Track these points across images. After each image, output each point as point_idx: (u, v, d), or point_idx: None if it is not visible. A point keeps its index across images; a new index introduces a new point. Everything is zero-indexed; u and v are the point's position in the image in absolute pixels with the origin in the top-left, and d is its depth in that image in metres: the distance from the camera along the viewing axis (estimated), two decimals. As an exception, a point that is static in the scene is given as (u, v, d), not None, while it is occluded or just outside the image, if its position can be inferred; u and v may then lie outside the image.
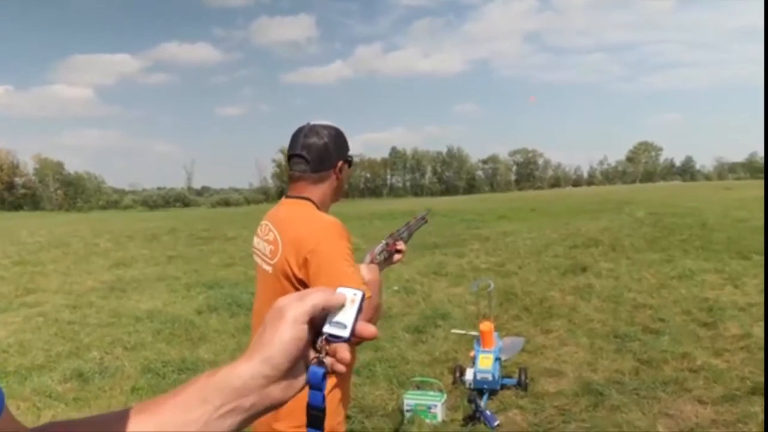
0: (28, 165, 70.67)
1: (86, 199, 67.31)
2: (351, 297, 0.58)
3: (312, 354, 0.59)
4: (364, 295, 0.59)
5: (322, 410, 0.59)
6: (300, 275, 1.67)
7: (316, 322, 0.58)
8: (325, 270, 1.62)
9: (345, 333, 0.57)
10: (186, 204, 62.30)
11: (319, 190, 1.80)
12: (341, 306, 0.58)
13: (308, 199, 1.80)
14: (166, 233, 17.85)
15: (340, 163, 1.81)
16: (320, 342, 0.58)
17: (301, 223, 1.74)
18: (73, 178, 71.14)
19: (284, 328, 0.56)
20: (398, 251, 2.02)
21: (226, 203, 62.05)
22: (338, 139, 1.81)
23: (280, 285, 1.71)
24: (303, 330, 0.57)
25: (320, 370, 0.59)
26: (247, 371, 0.57)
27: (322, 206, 1.81)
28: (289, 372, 0.58)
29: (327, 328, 0.58)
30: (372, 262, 1.87)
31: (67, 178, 70.90)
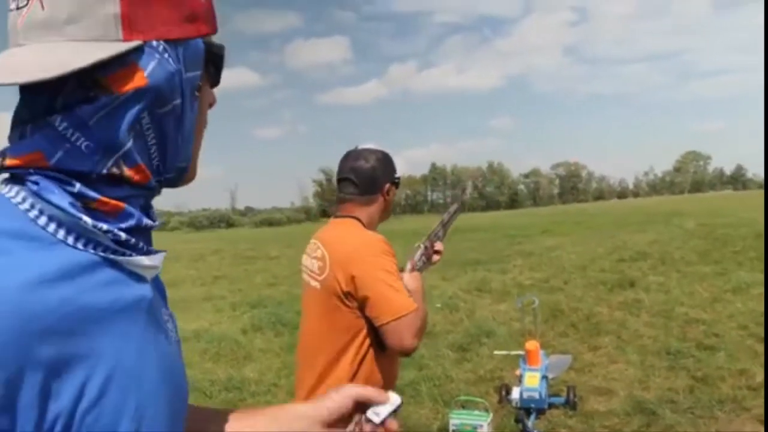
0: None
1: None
2: (393, 399, 0.80)
3: (350, 426, 0.79)
4: (402, 403, 0.80)
5: None
6: (347, 289, 1.73)
7: (361, 406, 0.80)
8: (369, 287, 1.70)
9: (377, 420, 0.78)
10: (230, 224, 63.49)
11: (366, 212, 1.87)
12: (385, 401, 0.80)
13: (356, 218, 1.86)
14: (211, 254, 18.27)
15: (387, 186, 1.87)
16: (358, 417, 0.79)
17: (349, 239, 1.80)
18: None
19: (341, 394, 0.80)
20: (437, 252, 2.01)
21: (269, 223, 63.04)
22: (385, 162, 1.88)
23: (328, 301, 1.76)
24: (351, 402, 0.79)
25: None
26: (307, 407, 0.81)
27: (370, 226, 1.86)
28: (332, 424, 0.79)
29: (368, 411, 0.79)
30: (413, 269, 1.89)
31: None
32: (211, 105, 0.71)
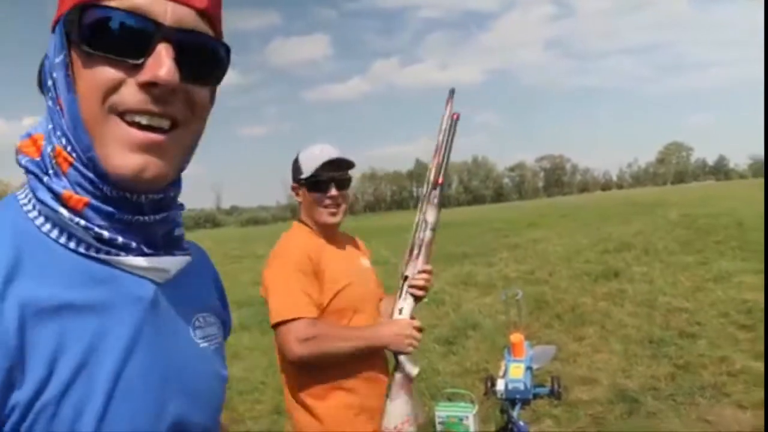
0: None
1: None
2: None
3: None
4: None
5: None
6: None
7: None
8: (267, 289, 1.80)
9: None
10: (216, 224, 63.19)
11: (301, 212, 1.99)
12: None
13: (299, 218, 2.00)
14: (197, 253, 18.13)
15: (294, 186, 1.96)
16: None
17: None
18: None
19: None
20: (419, 286, 1.79)
21: (255, 222, 62.75)
22: (293, 165, 1.95)
23: None
24: None
25: None
26: None
27: (313, 226, 1.94)
28: None
29: None
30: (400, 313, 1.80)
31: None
32: (148, 84, 0.55)
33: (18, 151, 0.60)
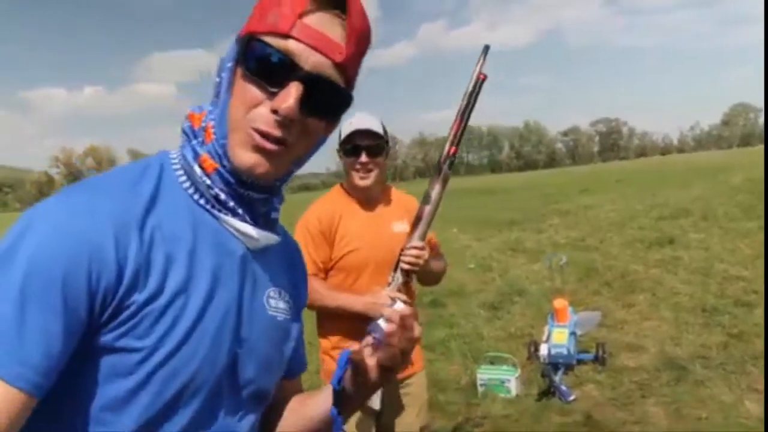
0: (125, 159, 75.63)
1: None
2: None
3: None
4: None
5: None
6: None
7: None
8: None
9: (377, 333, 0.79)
10: (269, 190, 64.55)
11: None
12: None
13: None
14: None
15: (338, 150, 2.09)
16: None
17: None
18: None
19: None
20: (408, 262, 1.81)
21: (306, 188, 63.68)
22: (339, 132, 2.04)
23: None
24: None
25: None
26: None
27: (348, 187, 2.12)
28: None
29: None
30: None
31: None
32: (276, 111, 0.70)
33: (187, 118, 0.78)
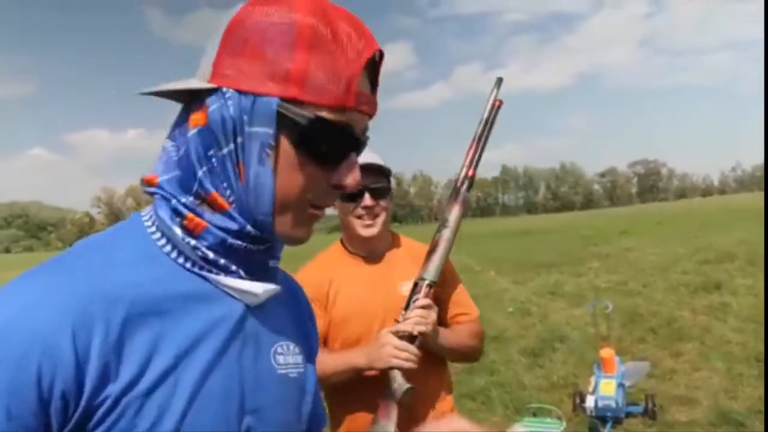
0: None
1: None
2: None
3: None
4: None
5: None
6: None
7: None
8: None
9: None
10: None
11: None
12: None
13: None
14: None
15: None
16: None
17: None
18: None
19: None
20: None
21: (336, 229, 64.65)
22: None
23: None
24: None
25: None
26: None
27: (347, 242, 1.76)
28: None
29: None
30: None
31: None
32: (339, 186, 0.67)
33: (144, 182, 0.70)
